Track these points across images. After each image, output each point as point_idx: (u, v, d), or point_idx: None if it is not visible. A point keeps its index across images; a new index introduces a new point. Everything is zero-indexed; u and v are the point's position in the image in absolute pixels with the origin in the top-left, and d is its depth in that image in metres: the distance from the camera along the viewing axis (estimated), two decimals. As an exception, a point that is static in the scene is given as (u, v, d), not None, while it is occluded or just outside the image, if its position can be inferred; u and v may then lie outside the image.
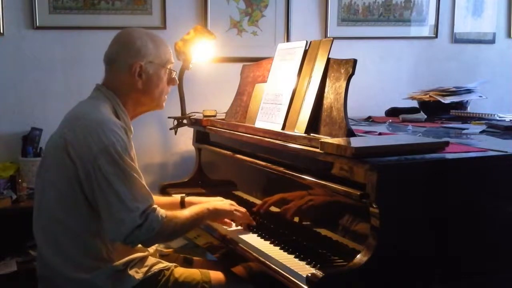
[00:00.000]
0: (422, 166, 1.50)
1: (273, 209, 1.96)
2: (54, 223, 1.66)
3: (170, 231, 1.68)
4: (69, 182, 1.62)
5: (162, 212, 1.63)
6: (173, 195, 2.27)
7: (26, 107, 2.79)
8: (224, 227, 1.95)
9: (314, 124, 1.78)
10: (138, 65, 1.75)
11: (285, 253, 1.67)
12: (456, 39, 3.55)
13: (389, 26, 3.38)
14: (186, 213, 1.76)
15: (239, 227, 1.94)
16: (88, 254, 1.66)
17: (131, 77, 1.76)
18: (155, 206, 1.63)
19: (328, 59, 1.82)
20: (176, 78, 1.91)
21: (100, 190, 1.58)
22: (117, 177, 1.58)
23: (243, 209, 1.94)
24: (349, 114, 1.70)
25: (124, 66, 1.76)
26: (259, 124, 2.05)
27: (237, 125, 2.18)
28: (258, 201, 2.06)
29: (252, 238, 1.83)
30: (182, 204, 2.08)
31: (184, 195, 2.12)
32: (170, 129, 2.60)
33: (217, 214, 1.89)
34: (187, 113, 2.61)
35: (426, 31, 3.47)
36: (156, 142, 2.99)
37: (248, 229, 1.91)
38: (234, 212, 1.91)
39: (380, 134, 2.07)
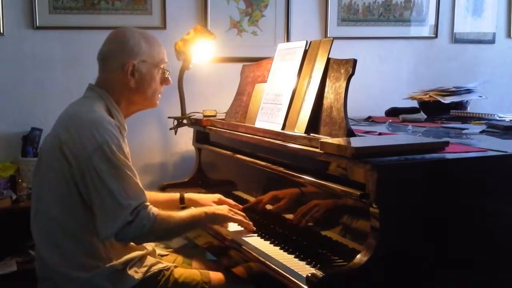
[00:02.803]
0: (422, 166, 1.50)
1: (273, 209, 1.96)
2: (52, 222, 1.66)
3: (163, 230, 1.67)
4: (65, 181, 1.63)
5: (154, 210, 1.63)
6: (173, 193, 2.26)
7: (26, 107, 2.78)
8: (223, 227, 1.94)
9: (314, 124, 1.78)
10: (131, 64, 1.75)
11: (285, 253, 1.67)
12: (456, 39, 3.55)
13: (389, 26, 3.38)
14: (182, 214, 1.76)
15: (238, 228, 1.93)
16: (86, 253, 1.66)
17: (124, 76, 1.76)
18: (147, 203, 1.64)
19: (328, 59, 1.82)
20: (170, 78, 1.90)
21: (94, 187, 1.59)
22: (110, 174, 1.58)
23: (241, 214, 1.93)
24: (349, 114, 1.70)
25: (117, 65, 1.76)
26: (259, 124, 2.05)
27: (237, 125, 2.18)
28: (258, 202, 2.06)
29: (252, 238, 1.83)
30: (182, 201, 2.09)
31: (183, 192, 2.13)
32: (170, 129, 2.60)
33: (214, 219, 1.88)
34: (187, 113, 2.61)
35: (426, 31, 3.47)
36: (156, 142, 2.98)
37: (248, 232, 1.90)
38: (232, 216, 1.89)
39: (380, 134, 2.07)
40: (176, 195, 2.11)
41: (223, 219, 1.90)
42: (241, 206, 2.04)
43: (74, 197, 1.63)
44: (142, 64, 1.78)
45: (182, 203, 2.09)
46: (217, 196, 2.08)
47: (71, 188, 1.63)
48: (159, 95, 1.88)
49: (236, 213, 1.92)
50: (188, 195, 2.11)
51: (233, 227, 1.95)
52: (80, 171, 1.60)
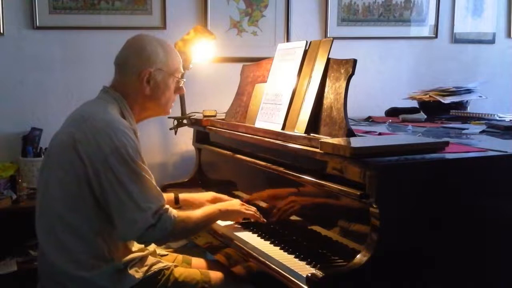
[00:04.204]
0: (422, 166, 1.50)
1: (273, 209, 1.96)
2: (57, 220, 1.66)
3: (182, 231, 1.71)
4: (77, 181, 1.62)
5: (174, 212, 1.65)
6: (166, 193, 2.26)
7: (26, 107, 2.78)
8: (220, 224, 1.96)
9: (314, 124, 1.78)
10: (147, 72, 1.77)
11: (285, 253, 1.67)
12: (456, 39, 3.55)
13: (389, 26, 3.37)
14: (198, 213, 1.78)
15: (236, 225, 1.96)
16: (90, 253, 1.66)
17: (139, 83, 1.77)
18: (167, 206, 1.65)
19: (328, 59, 1.82)
20: (184, 88, 1.92)
21: (112, 190, 1.59)
22: (129, 177, 1.59)
23: (253, 208, 1.97)
24: (349, 114, 1.71)
25: (134, 71, 1.77)
26: (259, 124, 2.05)
27: (237, 125, 2.18)
28: (258, 202, 2.06)
29: (252, 238, 1.83)
30: (176, 201, 2.10)
31: (177, 192, 2.14)
32: (170, 129, 2.60)
33: (228, 214, 1.92)
34: (187, 113, 2.61)
35: (426, 31, 3.47)
36: (156, 142, 2.98)
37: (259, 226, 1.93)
38: (245, 211, 1.93)
39: (380, 134, 2.07)
40: (170, 196, 2.12)
41: (237, 215, 1.94)
42: (254, 208, 2.04)
43: (85, 196, 1.63)
44: (158, 72, 1.79)
45: (177, 203, 2.10)
46: (211, 194, 2.10)
47: (83, 187, 1.63)
48: (173, 104, 1.90)
49: (248, 208, 1.95)
50: (183, 196, 2.12)
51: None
52: (94, 171, 1.60)
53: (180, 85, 1.90)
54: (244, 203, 1.98)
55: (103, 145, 1.59)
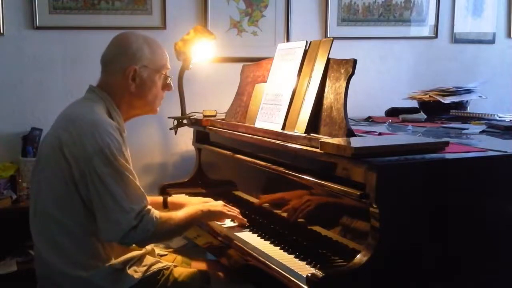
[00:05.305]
0: (422, 166, 1.50)
1: (273, 209, 1.96)
2: (51, 222, 1.66)
3: (165, 232, 1.69)
4: (64, 181, 1.63)
5: (156, 213, 1.65)
6: (156, 196, 2.25)
7: (26, 107, 2.79)
8: (218, 223, 1.96)
9: (314, 124, 1.78)
10: (132, 69, 1.76)
11: (285, 253, 1.67)
12: (456, 39, 3.55)
13: (389, 26, 3.37)
14: (180, 214, 1.77)
15: (233, 224, 1.96)
16: (85, 253, 1.66)
17: (125, 80, 1.77)
18: (149, 207, 1.64)
19: (328, 59, 1.82)
20: (171, 84, 1.91)
21: (95, 191, 1.59)
22: (112, 178, 1.59)
23: (236, 210, 1.96)
24: (349, 114, 1.70)
25: (119, 69, 1.77)
26: (259, 124, 2.05)
27: (237, 125, 2.18)
28: (258, 201, 2.06)
29: (252, 238, 1.83)
30: (165, 205, 2.09)
31: (166, 195, 2.14)
32: (170, 129, 2.60)
33: (210, 215, 1.91)
34: (187, 113, 2.61)
35: (426, 31, 3.47)
36: (156, 142, 2.98)
37: (242, 227, 1.93)
38: (227, 212, 1.92)
39: (380, 134, 2.07)
40: (159, 199, 2.12)
41: (219, 215, 1.93)
42: (236, 210, 2.04)
43: (73, 197, 1.63)
44: (143, 69, 1.78)
45: (166, 207, 2.09)
46: (201, 199, 2.09)
47: (70, 188, 1.63)
48: (161, 101, 1.89)
49: (230, 209, 1.95)
50: (171, 199, 2.12)
51: (228, 224, 1.97)
52: (80, 172, 1.60)
53: (168, 82, 1.89)
54: (227, 205, 1.97)
55: (88, 145, 1.59)
